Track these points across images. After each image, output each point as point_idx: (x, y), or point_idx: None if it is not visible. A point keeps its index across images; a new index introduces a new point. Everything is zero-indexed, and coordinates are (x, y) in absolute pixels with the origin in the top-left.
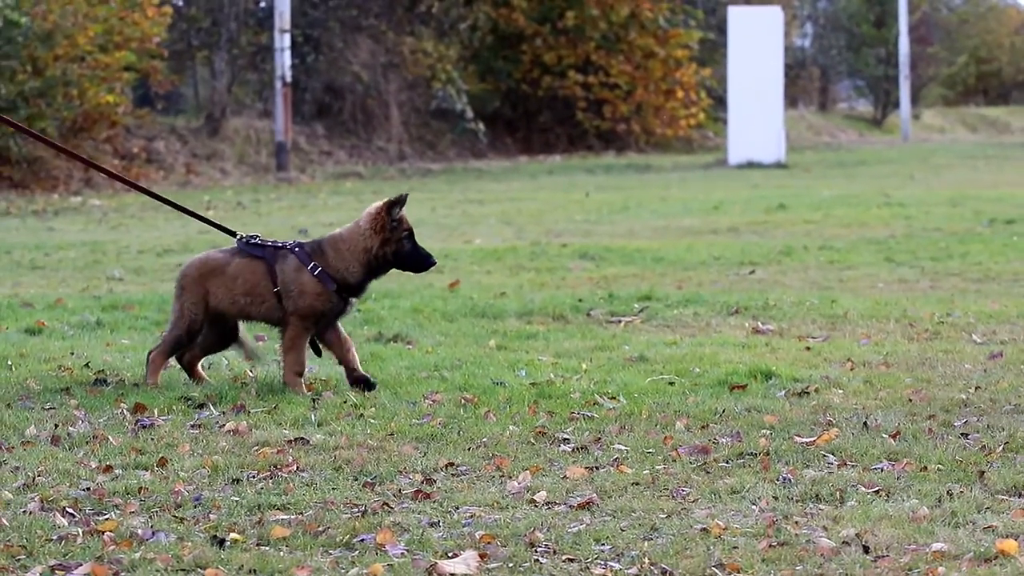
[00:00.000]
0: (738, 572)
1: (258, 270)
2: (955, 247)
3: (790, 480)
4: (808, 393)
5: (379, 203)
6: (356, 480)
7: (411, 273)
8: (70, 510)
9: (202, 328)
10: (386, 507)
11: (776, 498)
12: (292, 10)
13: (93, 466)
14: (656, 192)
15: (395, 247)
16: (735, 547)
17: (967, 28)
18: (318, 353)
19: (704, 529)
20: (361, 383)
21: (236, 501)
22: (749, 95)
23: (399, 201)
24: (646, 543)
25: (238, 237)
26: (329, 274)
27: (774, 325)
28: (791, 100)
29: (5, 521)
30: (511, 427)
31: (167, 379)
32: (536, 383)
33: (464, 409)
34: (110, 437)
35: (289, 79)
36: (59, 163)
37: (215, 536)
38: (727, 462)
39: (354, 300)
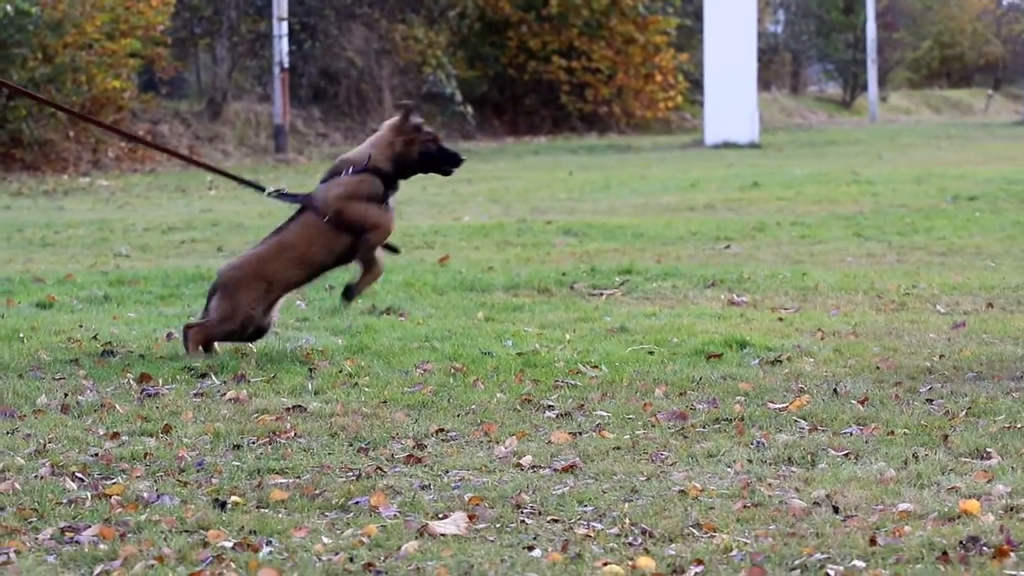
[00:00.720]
0: (714, 531)
1: (307, 221)
2: (920, 222)
3: (764, 444)
4: (781, 361)
5: (391, 123)
6: (351, 446)
7: (437, 173)
8: (79, 475)
9: (256, 320)
10: (379, 471)
11: (750, 461)
12: None
13: (101, 433)
14: (636, 171)
15: (421, 147)
16: (711, 508)
17: (931, 14)
18: (396, 251)
19: (682, 491)
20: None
21: (237, 466)
22: (724, 79)
23: (409, 111)
24: (627, 504)
25: (268, 191)
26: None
27: (748, 297)
28: (764, 83)
29: (18, 485)
30: (498, 395)
31: (170, 350)
32: (522, 353)
33: (454, 378)
34: (117, 405)
35: (287, 65)
36: (69, 146)
37: (217, 499)
38: (704, 427)
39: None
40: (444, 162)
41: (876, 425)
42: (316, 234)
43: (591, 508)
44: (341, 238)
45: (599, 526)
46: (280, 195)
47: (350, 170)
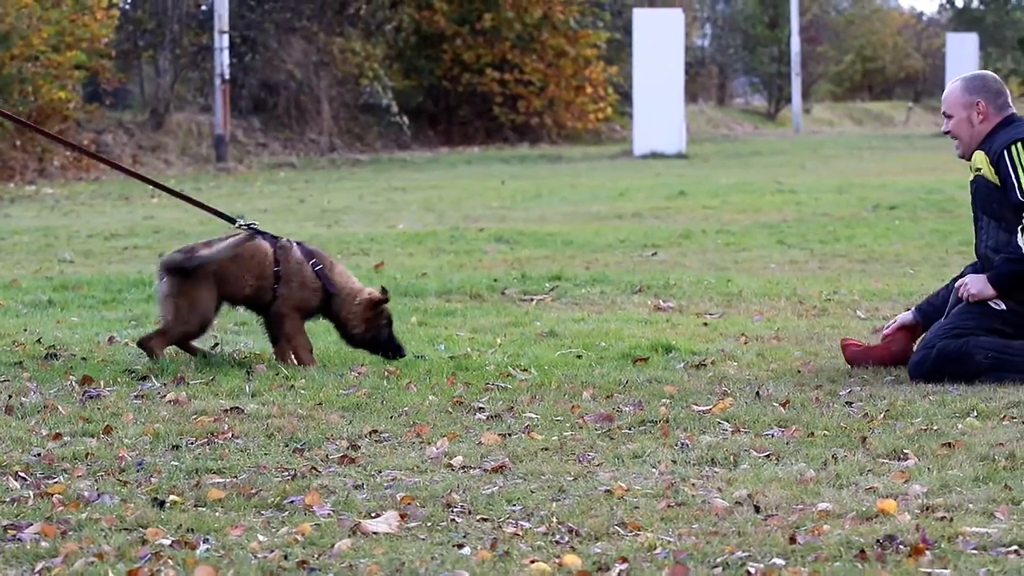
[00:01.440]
0: (639, 530)
1: (265, 253)
2: (842, 231)
3: (688, 445)
4: (705, 365)
5: (375, 297)
6: (287, 446)
7: (371, 353)
8: (22, 474)
9: (212, 320)
10: (314, 471)
11: (675, 462)
12: (230, 13)
13: (44, 433)
14: (566, 180)
15: (374, 334)
16: (636, 507)
17: (853, 29)
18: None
19: (608, 491)
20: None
21: (176, 466)
22: (653, 91)
23: (384, 300)
24: (554, 504)
25: (237, 223)
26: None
27: (674, 303)
28: (691, 95)
29: None
30: (430, 397)
31: (112, 353)
32: (454, 356)
33: (387, 380)
34: (60, 407)
35: (228, 76)
36: (15, 154)
37: (156, 498)
38: (630, 429)
39: None
40: (390, 350)
41: (797, 427)
42: (268, 269)
43: (519, 507)
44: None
45: (527, 525)
46: (250, 229)
47: (320, 269)
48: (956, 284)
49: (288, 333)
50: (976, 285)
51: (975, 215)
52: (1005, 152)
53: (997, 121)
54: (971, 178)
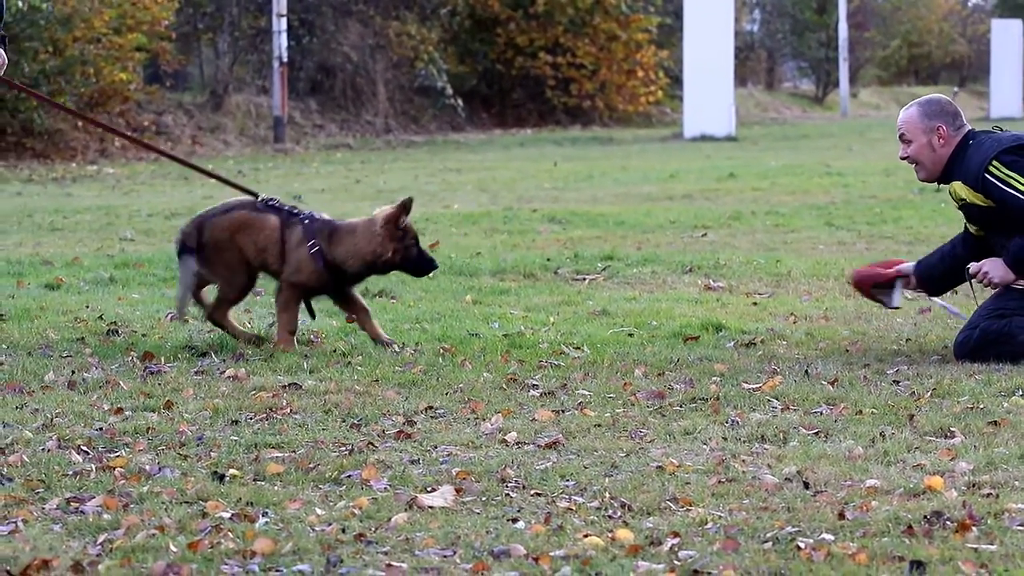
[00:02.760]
0: (690, 505)
1: (272, 228)
2: (888, 212)
3: (738, 423)
4: (755, 344)
5: (389, 213)
6: (344, 422)
7: (411, 276)
8: (84, 448)
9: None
10: (371, 446)
11: (725, 439)
12: None
13: (105, 408)
14: (618, 162)
15: (403, 254)
16: (687, 483)
17: (900, 15)
18: (312, 316)
19: (660, 467)
20: (384, 345)
21: (235, 440)
22: (703, 74)
23: (405, 211)
24: (607, 479)
25: (259, 198)
26: (325, 257)
27: (724, 283)
28: (741, 79)
29: (26, 458)
30: (485, 374)
31: (172, 329)
32: (508, 334)
33: (442, 358)
34: (121, 382)
35: (285, 59)
36: (77, 135)
37: (215, 472)
38: (681, 406)
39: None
40: (424, 269)
41: (845, 405)
42: (274, 241)
43: (573, 483)
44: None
45: (580, 500)
46: (268, 205)
47: (317, 250)
48: (971, 271)
49: (278, 307)
50: (998, 272)
51: (987, 237)
52: (986, 175)
53: (956, 142)
54: (956, 205)
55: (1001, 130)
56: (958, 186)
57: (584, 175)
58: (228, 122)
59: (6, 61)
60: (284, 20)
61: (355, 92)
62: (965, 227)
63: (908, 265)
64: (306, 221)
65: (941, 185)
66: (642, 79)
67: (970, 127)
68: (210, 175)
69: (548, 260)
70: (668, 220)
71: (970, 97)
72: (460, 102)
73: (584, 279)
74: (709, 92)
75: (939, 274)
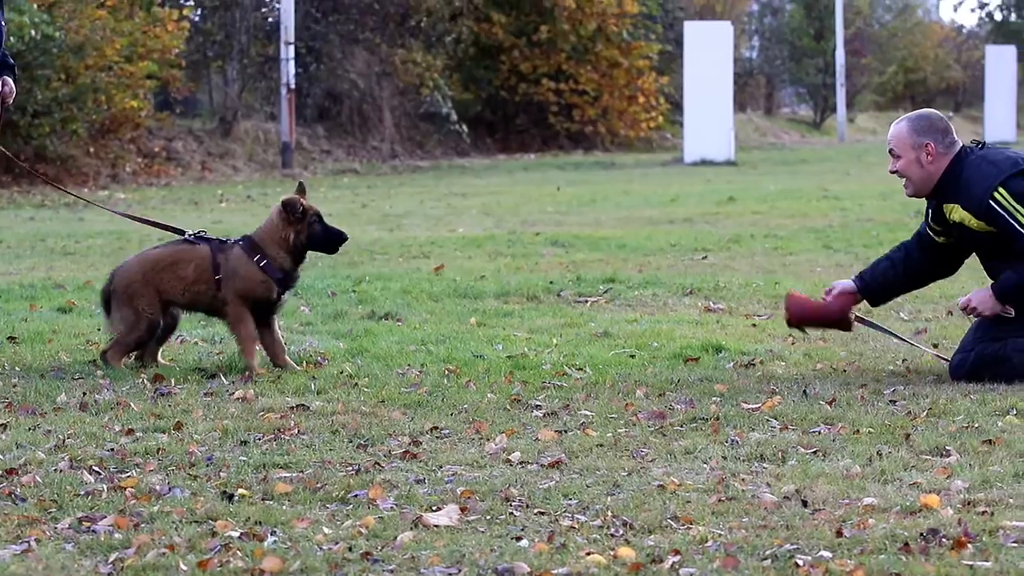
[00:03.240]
0: (691, 524)
1: (202, 257)
2: (885, 235)
3: (737, 442)
4: (754, 364)
5: (282, 199)
6: (351, 442)
7: (325, 253)
8: (96, 468)
9: (159, 324)
10: (377, 466)
11: (725, 458)
12: (296, 24)
13: (117, 429)
14: (620, 187)
15: (308, 232)
16: (688, 501)
17: (896, 41)
18: None
19: (661, 486)
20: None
21: (244, 461)
22: (703, 100)
23: (293, 201)
24: (609, 498)
25: (187, 235)
26: (273, 266)
27: (724, 304)
28: (740, 105)
29: (39, 478)
30: (489, 395)
31: (182, 352)
32: (512, 356)
33: (447, 379)
34: (132, 404)
35: (293, 86)
36: (89, 161)
37: (225, 492)
38: (681, 426)
39: (286, 293)
40: (333, 245)
41: (843, 424)
42: (206, 273)
43: (575, 501)
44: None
45: (583, 518)
46: (198, 238)
47: (266, 263)
48: (960, 304)
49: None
50: (986, 306)
51: (983, 260)
52: (991, 203)
53: (947, 160)
54: (947, 224)
55: (984, 145)
56: (957, 209)
57: (587, 199)
58: (237, 148)
59: (14, 90)
60: (292, 48)
61: (362, 118)
62: (921, 234)
63: (847, 283)
64: (240, 242)
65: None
66: (643, 105)
67: (962, 144)
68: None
69: (551, 283)
70: (669, 243)
71: (965, 122)
72: (465, 128)
73: (586, 301)
74: (709, 118)
75: (891, 280)
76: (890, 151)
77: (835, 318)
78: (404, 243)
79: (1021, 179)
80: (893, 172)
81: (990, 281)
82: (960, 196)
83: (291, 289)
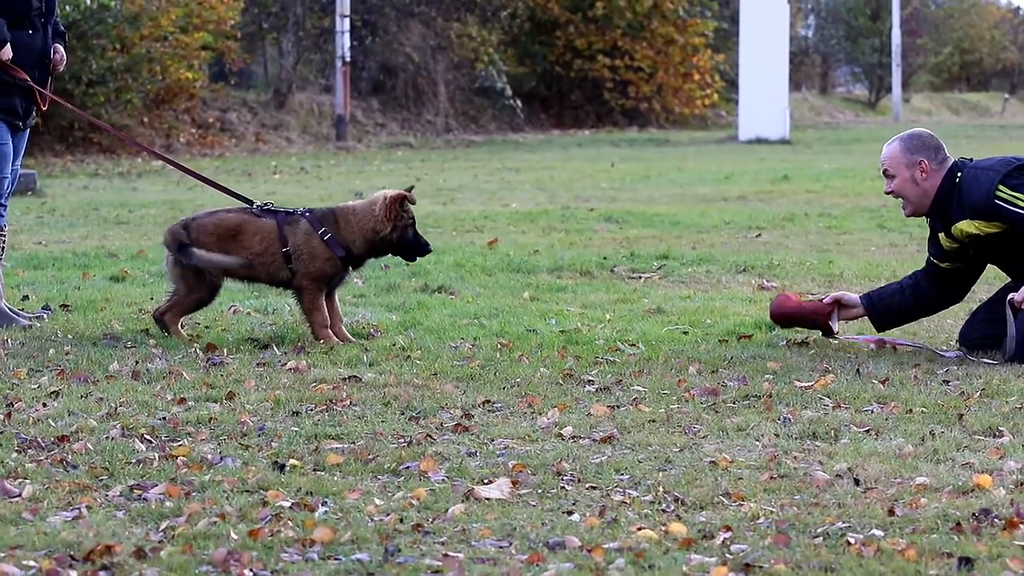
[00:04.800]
0: (742, 500)
1: (271, 232)
2: None
3: (790, 420)
4: (807, 343)
5: (393, 193)
6: (403, 414)
7: (404, 259)
8: (147, 437)
9: (219, 289)
10: (429, 438)
11: (777, 435)
12: None
13: (169, 398)
14: (674, 164)
15: (400, 233)
16: (740, 478)
17: (952, 22)
18: None
19: (713, 462)
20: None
21: (295, 431)
22: (758, 78)
23: (411, 198)
24: (661, 474)
25: (254, 205)
26: (337, 241)
27: (778, 282)
28: (795, 83)
29: (90, 446)
30: (542, 369)
31: (235, 322)
32: (565, 331)
33: (500, 353)
34: (184, 373)
35: (348, 59)
36: (143, 131)
37: (276, 462)
38: (734, 403)
39: (351, 270)
40: (417, 252)
41: (896, 404)
42: (272, 247)
43: (627, 476)
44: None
45: (634, 493)
46: (264, 210)
47: (330, 236)
48: (1016, 300)
49: (306, 309)
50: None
51: (1005, 267)
52: (996, 202)
53: (941, 176)
54: (961, 241)
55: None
56: (964, 225)
57: (640, 176)
58: (291, 120)
59: (65, 58)
60: (347, 20)
61: (416, 92)
62: (931, 263)
63: (851, 296)
64: (307, 214)
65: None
66: (698, 82)
67: (953, 159)
68: (209, 182)
69: (604, 258)
70: (723, 220)
71: (1021, 103)
72: (519, 103)
73: (640, 277)
74: (764, 96)
75: (896, 306)
76: (884, 172)
77: (808, 316)
78: (458, 217)
79: (1017, 175)
80: (889, 192)
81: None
82: (964, 210)
83: (354, 270)
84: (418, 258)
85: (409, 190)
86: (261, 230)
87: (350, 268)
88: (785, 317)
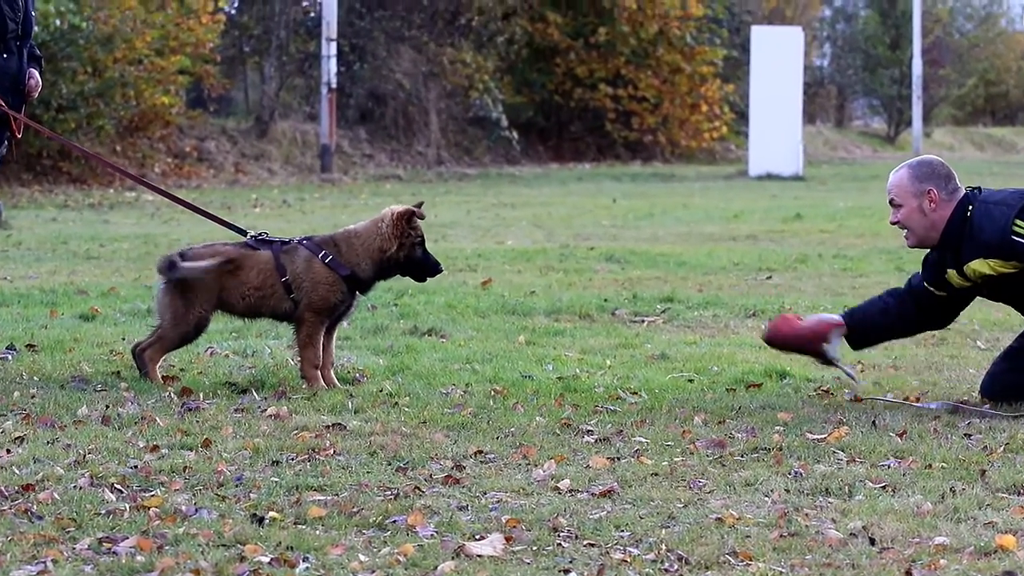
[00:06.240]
0: (750, 560)
1: (267, 263)
2: None
3: (801, 474)
4: (820, 393)
5: (400, 208)
6: (389, 465)
7: (413, 279)
8: (118, 486)
9: (206, 326)
10: (417, 491)
11: (788, 491)
12: (339, 20)
13: (141, 445)
14: (680, 200)
15: (408, 251)
16: (748, 536)
17: (977, 52)
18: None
19: (719, 519)
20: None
21: (275, 482)
22: (770, 110)
23: (419, 214)
24: (664, 531)
25: (247, 236)
26: (340, 262)
27: None
28: (809, 116)
29: (57, 495)
30: (538, 418)
31: (211, 364)
32: (562, 377)
33: (493, 400)
34: (157, 418)
35: (335, 85)
36: (116, 160)
37: (255, 514)
38: (742, 456)
39: (358, 297)
40: (429, 272)
41: (914, 458)
42: (270, 279)
43: (628, 533)
44: (285, 299)
45: (635, 551)
46: (259, 240)
47: (331, 259)
48: None
49: (300, 342)
50: None
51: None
52: (1013, 238)
53: (951, 207)
54: (974, 281)
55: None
56: (978, 264)
57: (644, 213)
58: (273, 150)
59: (40, 83)
60: (334, 45)
61: (406, 121)
62: (915, 286)
63: (833, 316)
64: (304, 241)
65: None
66: (706, 114)
67: (965, 190)
68: (199, 211)
69: (605, 301)
70: (731, 261)
71: None
72: (516, 134)
73: (643, 321)
74: (776, 129)
75: (876, 326)
76: (890, 201)
77: (806, 340)
78: (449, 255)
79: None
80: (895, 223)
81: None
82: (977, 248)
83: (361, 295)
84: (428, 278)
85: (419, 206)
86: (257, 262)
87: (357, 293)
88: (779, 341)
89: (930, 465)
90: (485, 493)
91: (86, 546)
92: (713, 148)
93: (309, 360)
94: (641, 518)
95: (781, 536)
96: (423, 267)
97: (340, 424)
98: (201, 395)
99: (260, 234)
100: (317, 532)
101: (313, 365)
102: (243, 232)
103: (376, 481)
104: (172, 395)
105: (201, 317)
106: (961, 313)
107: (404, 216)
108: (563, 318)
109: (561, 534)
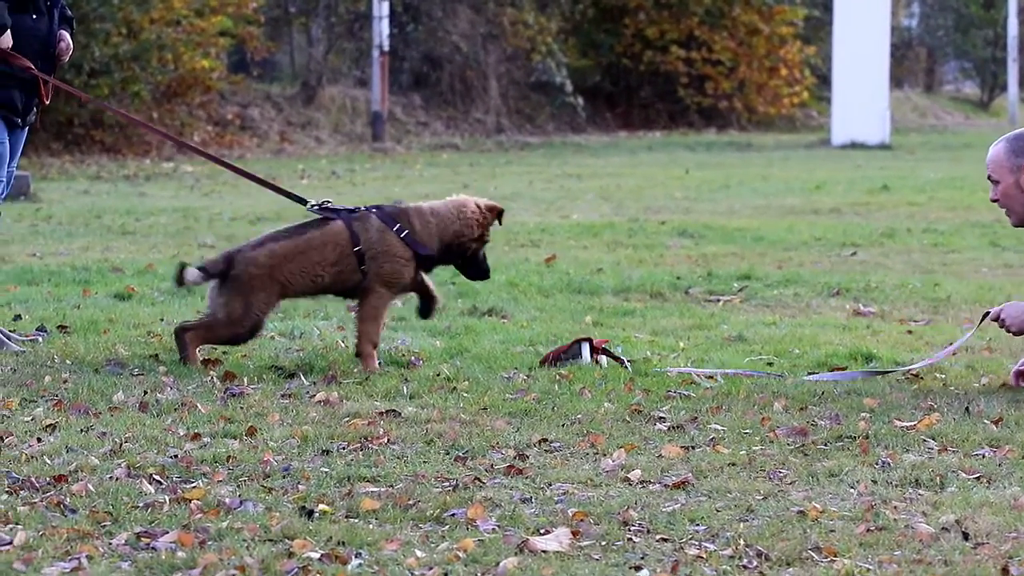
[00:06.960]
0: (835, 556)
1: (340, 233)
2: None
3: (889, 464)
4: (909, 377)
5: (491, 202)
6: (448, 454)
7: (462, 273)
8: (157, 477)
9: (263, 327)
10: (478, 482)
11: (875, 482)
12: None
13: (181, 433)
14: (757, 171)
15: (479, 245)
16: (832, 530)
17: None
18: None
19: (801, 512)
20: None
21: (325, 472)
22: (854, 74)
23: (502, 212)
24: (742, 524)
25: (308, 204)
26: (412, 237)
27: (875, 307)
28: (896, 80)
29: (91, 487)
30: (606, 404)
31: (257, 347)
32: (632, 361)
33: (558, 385)
34: (199, 405)
35: (387, 48)
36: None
37: (304, 507)
38: (825, 445)
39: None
40: (481, 274)
41: (1010, 447)
42: (345, 251)
43: (703, 527)
44: (357, 270)
45: (711, 547)
46: (322, 209)
47: (406, 234)
48: (992, 315)
49: (365, 316)
50: (1016, 321)
51: None
52: None
53: None
54: None
55: None
56: None
57: (719, 184)
58: (321, 117)
59: (71, 46)
60: (386, 4)
61: (464, 87)
62: None
63: None
64: (374, 210)
65: None
66: (786, 78)
67: None
68: (261, 182)
69: (678, 278)
70: (813, 236)
71: None
72: (581, 100)
73: (718, 300)
74: (861, 94)
75: None
76: (989, 177)
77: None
78: (511, 230)
79: None
80: (994, 201)
81: None
82: None
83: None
84: (475, 281)
85: (502, 208)
86: (331, 237)
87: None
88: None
89: None
90: (550, 484)
91: (123, 541)
92: (793, 115)
93: (368, 336)
94: (717, 511)
95: (868, 530)
96: (480, 267)
97: (394, 411)
98: (245, 380)
99: (324, 202)
100: (370, 526)
101: (372, 343)
102: (303, 201)
103: (433, 472)
104: (214, 380)
105: (258, 321)
106: None
107: (496, 211)
108: (632, 297)
109: (632, 528)
